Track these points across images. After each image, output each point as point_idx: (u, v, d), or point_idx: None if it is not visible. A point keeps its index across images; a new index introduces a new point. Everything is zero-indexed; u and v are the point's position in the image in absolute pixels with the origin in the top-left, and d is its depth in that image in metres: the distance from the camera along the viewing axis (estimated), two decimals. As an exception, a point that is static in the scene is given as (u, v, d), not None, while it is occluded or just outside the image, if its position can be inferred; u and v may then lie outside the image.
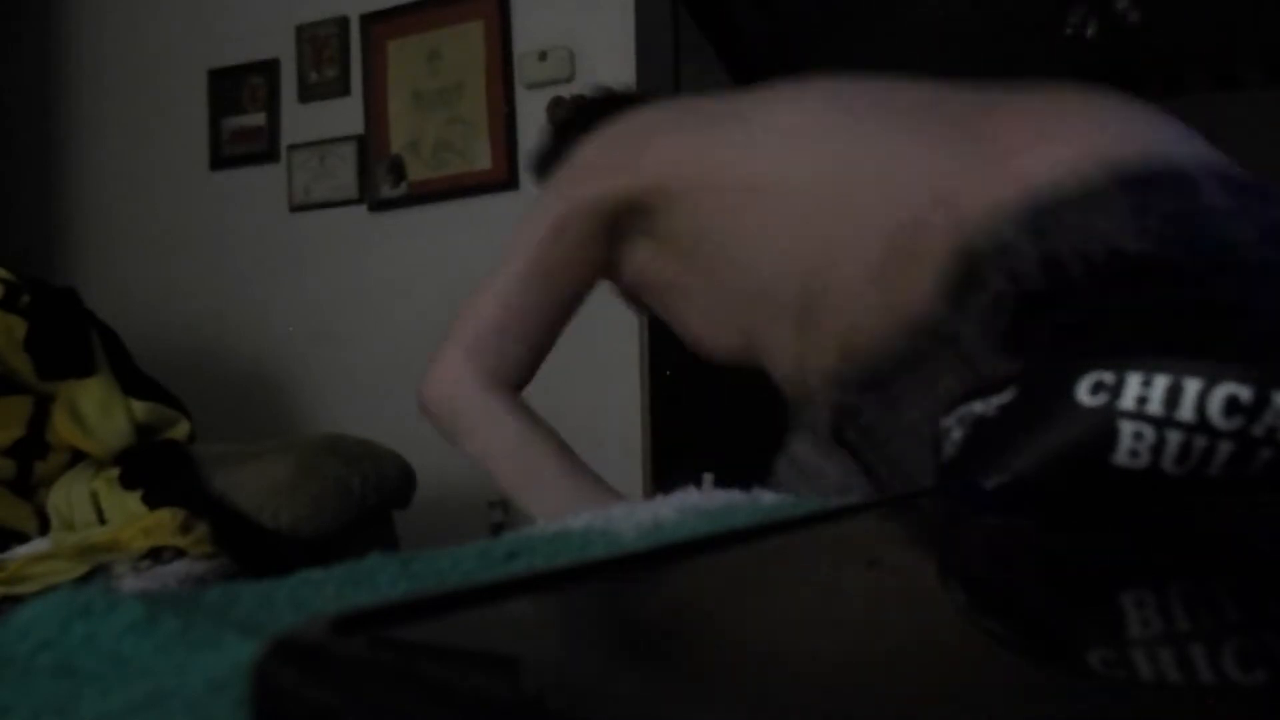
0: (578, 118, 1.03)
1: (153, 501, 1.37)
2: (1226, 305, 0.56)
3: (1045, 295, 0.60)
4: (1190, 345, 0.51)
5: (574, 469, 0.89)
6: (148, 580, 1.19)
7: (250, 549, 1.35)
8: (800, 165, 0.76)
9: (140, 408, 1.51)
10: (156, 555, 1.27)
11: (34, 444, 1.46)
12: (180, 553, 1.28)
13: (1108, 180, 0.60)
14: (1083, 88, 0.72)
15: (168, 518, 1.32)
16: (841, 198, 0.73)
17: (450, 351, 0.91)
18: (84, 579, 1.21)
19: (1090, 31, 3.11)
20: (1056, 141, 0.65)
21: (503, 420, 0.89)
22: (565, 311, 0.94)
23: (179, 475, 1.43)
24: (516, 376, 0.92)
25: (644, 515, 0.48)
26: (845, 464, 0.71)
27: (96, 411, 1.47)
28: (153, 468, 1.44)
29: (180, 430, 1.57)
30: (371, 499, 1.55)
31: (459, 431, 0.91)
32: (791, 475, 0.76)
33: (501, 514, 2.11)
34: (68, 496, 1.41)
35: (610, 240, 0.89)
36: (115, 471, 1.43)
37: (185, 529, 1.32)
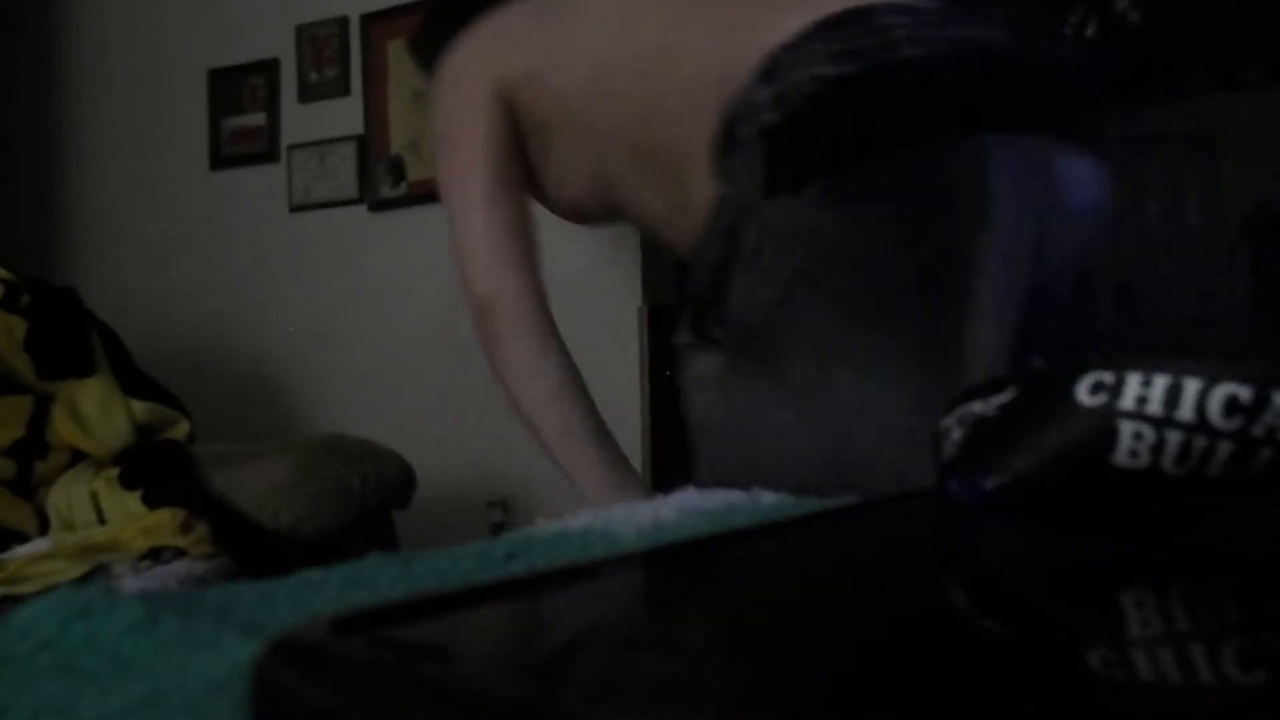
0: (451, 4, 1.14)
1: (153, 501, 1.37)
2: (899, 99, 0.77)
3: (778, 127, 0.77)
4: (875, 135, 0.76)
5: (604, 432, 1.00)
6: (148, 580, 1.19)
7: (250, 549, 1.35)
8: (623, 42, 0.93)
9: (140, 408, 1.51)
10: (156, 555, 1.27)
11: (34, 444, 1.46)
12: (180, 553, 1.28)
13: (813, 30, 0.78)
14: None
15: (168, 518, 1.32)
16: (651, 69, 0.90)
17: (480, 241, 0.98)
18: (84, 579, 1.21)
19: (1090, 31, 3.11)
20: (785, 13, 0.81)
21: (544, 356, 0.97)
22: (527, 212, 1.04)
23: (179, 475, 1.43)
24: (532, 266, 1.01)
25: (644, 515, 0.48)
26: (714, 360, 0.82)
27: (96, 411, 1.47)
28: (153, 468, 1.44)
29: (180, 430, 1.57)
30: (371, 499, 1.55)
31: (498, 334, 0.97)
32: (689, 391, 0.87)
33: (501, 514, 2.11)
34: (68, 496, 1.41)
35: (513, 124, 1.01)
36: (115, 471, 1.43)
37: (185, 529, 1.32)
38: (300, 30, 2.45)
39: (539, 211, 1.17)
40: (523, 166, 1.01)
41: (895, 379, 0.73)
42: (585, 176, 1.00)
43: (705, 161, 0.83)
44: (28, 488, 1.46)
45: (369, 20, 2.38)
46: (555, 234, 2.08)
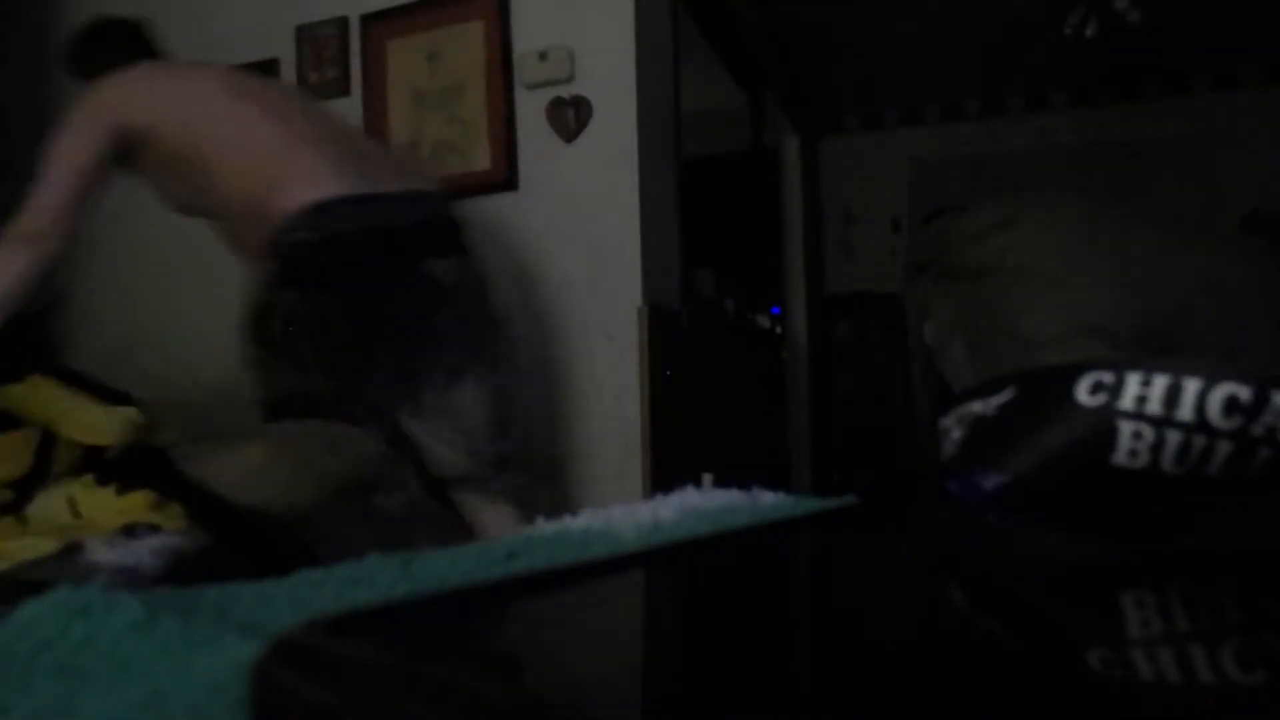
0: (103, 34, 1.78)
1: (126, 490, 1.37)
2: (349, 250, 1.41)
3: (297, 253, 1.38)
4: (349, 265, 1.42)
5: None
6: (123, 553, 1.16)
7: (227, 528, 1.34)
8: (217, 127, 1.50)
9: (132, 412, 1.51)
10: (130, 531, 1.25)
11: (37, 476, 1.46)
12: (154, 528, 1.26)
13: (307, 208, 1.37)
14: (357, 140, 1.67)
15: (140, 499, 1.32)
16: (226, 158, 1.48)
17: (58, 198, 1.54)
18: (58, 556, 1.19)
19: (1090, 31, 3.11)
20: (295, 193, 1.39)
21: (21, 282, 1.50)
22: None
23: (152, 465, 1.43)
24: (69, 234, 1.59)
25: (644, 515, 0.48)
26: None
27: (82, 409, 1.47)
28: (127, 465, 1.44)
29: (134, 417, 1.56)
30: (350, 477, 1.54)
31: (19, 251, 1.49)
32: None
33: (501, 514, 2.10)
34: (46, 505, 1.41)
35: (119, 151, 1.55)
36: (90, 477, 1.43)
37: (158, 507, 1.31)
38: (300, 30, 2.45)
39: (542, 221, 1.83)
40: (107, 173, 1.56)
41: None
42: (177, 189, 1.60)
43: (244, 236, 1.50)
44: (22, 516, 1.46)
45: (369, 20, 2.38)
46: (557, 236, 2.08)
